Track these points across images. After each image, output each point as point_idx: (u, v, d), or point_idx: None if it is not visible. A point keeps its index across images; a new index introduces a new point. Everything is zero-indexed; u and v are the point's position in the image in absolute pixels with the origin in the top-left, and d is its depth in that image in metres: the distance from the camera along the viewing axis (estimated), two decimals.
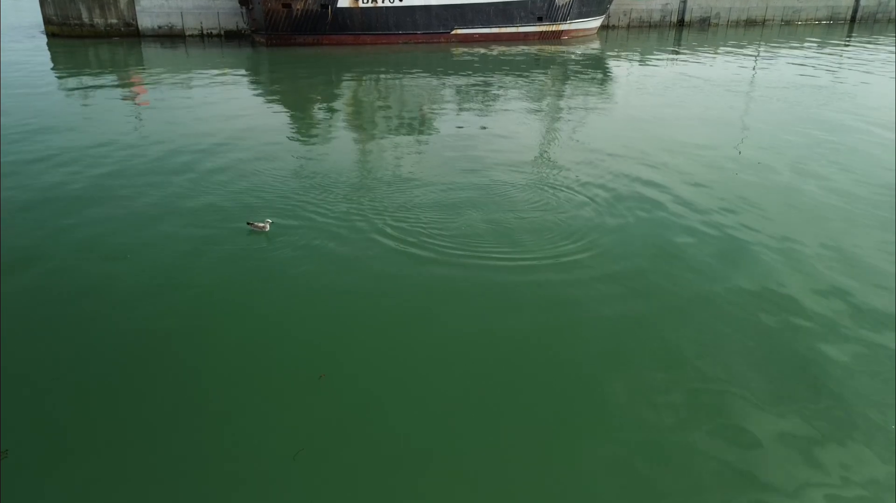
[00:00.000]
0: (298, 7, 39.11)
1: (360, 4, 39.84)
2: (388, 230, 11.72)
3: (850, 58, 36.47)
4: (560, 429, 7.12)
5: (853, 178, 15.04)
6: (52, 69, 31.10)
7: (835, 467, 6.55)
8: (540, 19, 43.59)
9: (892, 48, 40.05)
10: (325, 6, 39.31)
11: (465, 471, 6.56)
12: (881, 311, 9.28)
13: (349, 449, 6.78)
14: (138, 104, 23.69)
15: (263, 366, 8.07)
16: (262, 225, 11.58)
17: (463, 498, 6.27)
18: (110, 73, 30.14)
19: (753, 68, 32.69)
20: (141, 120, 20.92)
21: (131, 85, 27.22)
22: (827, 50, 40.03)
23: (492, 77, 30.18)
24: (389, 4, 40.32)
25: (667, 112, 22.49)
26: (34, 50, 36.78)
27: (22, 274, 10.26)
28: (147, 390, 7.65)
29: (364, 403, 7.47)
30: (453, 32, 42.30)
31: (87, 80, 27.82)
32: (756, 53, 38.37)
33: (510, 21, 43.05)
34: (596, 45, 43.33)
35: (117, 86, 26.89)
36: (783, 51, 39.52)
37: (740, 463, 6.60)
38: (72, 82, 27.72)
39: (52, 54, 35.59)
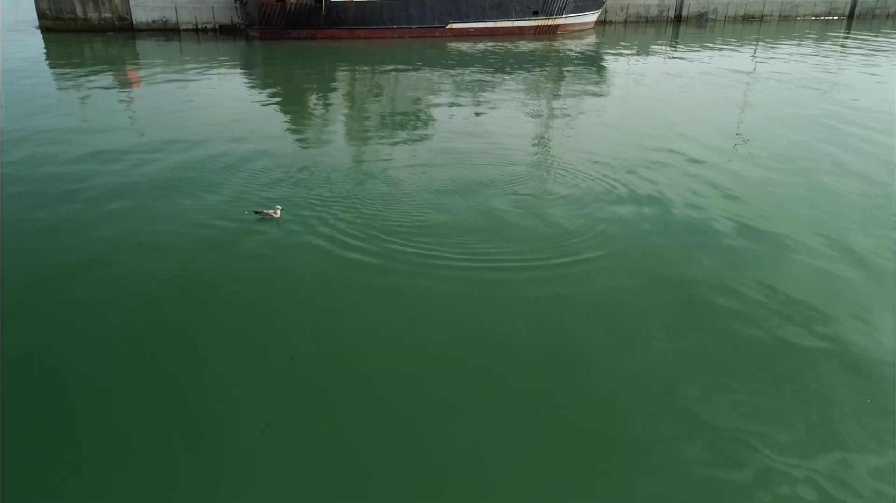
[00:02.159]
0: (292, 1, 38.97)
1: None
2: (379, 222, 11.57)
3: (848, 52, 36.28)
4: (540, 414, 7.02)
5: (853, 173, 14.79)
6: (48, 65, 31.01)
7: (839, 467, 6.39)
8: (535, 13, 43.43)
9: (892, 44, 39.81)
10: (318, 0, 39.14)
11: (430, 451, 6.49)
12: (881, 311, 9.09)
13: (316, 425, 6.77)
14: (131, 99, 23.56)
15: (242, 344, 8.10)
16: (270, 212, 11.54)
17: (426, 477, 6.18)
18: (104, 68, 29.96)
19: (752, 64, 32.50)
20: (133, 114, 20.84)
21: (125, 80, 27.09)
22: (825, 45, 39.84)
23: (486, 71, 30.02)
24: None
25: (664, 107, 22.33)
26: (28, 44, 36.64)
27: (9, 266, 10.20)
28: (126, 364, 7.62)
29: (334, 383, 7.42)
30: (448, 27, 42.16)
31: (81, 76, 27.71)
32: (754, 48, 38.19)
33: (505, 15, 42.90)
34: (592, 39, 43.12)
35: (111, 81, 26.73)
36: (781, 46, 39.33)
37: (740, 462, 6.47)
38: (66, 78, 27.58)
39: (46, 49, 35.42)
